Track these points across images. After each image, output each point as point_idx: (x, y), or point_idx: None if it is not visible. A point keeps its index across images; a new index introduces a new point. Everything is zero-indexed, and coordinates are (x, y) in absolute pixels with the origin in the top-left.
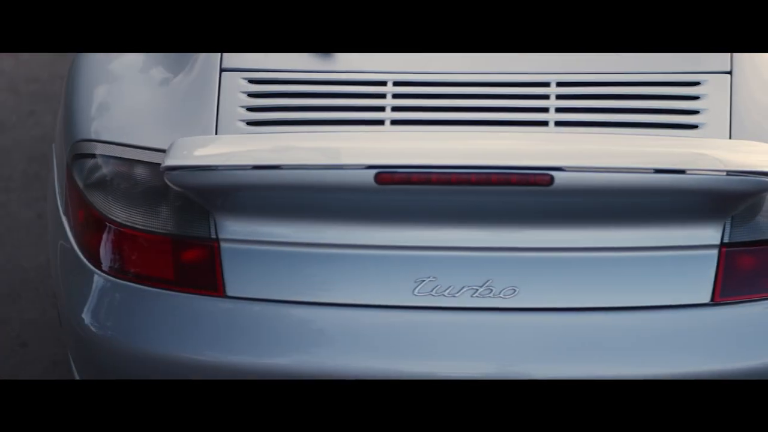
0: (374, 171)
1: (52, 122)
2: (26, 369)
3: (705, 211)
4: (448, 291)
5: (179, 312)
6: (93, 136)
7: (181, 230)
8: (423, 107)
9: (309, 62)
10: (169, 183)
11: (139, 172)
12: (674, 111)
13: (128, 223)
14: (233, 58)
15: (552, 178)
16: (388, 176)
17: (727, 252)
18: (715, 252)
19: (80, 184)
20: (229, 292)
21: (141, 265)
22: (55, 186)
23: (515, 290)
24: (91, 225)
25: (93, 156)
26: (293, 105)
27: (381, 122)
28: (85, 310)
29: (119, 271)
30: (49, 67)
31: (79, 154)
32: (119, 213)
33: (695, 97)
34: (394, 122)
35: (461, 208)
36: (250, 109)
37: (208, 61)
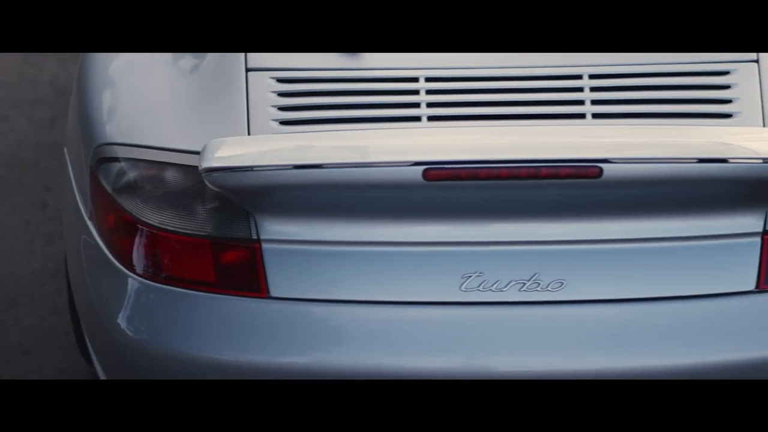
0: (422, 167)
1: (28, 127)
2: (32, 377)
3: (747, 200)
4: (495, 286)
5: (222, 314)
6: (117, 140)
7: (220, 232)
8: (458, 102)
9: (336, 60)
10: (209, 184)
11: (172, 174)
12: (707, 101)
13: (164, 226)
14: (258, 58)
15: (601, 170)
16: (436, 172)
17: None
18: (758, 240)
19: (108, 188)
20: (273, 292)
21: (180, 267)
22: (74, 191)
23: (562, 283)
24: (124, 229)
25: (119, 160)
26: (325, 103)
27: (417, 118)
28: (121, 314)
29: (156, 274)
30: (17, 71)
31: (103, 158)
32: (154, 216)
33: (726, 87)
34: (431, 118)
35: (507, 203)
36: (282, 108)
37: (231, 61)
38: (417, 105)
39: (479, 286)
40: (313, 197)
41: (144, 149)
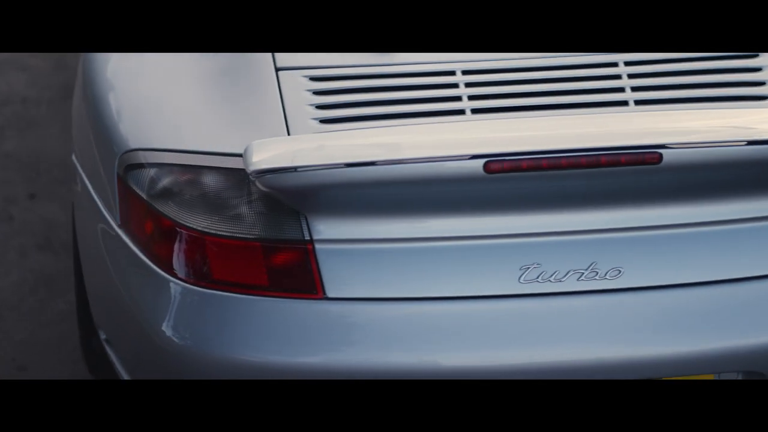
0: (483, 160)
1: None
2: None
3: None
4: (553, 276)
5: (277, 317)
6: (147, 145)
7: (271, 234)
8: (498, 94)
9: (365, 57)
10: (259, 186)
11: (214, 177)
12: (739, 83)
13: (211, 231)
14: (286, 58)
15: (661, 156)
16: (497, 165)
17: None
18: None
19: (143, 195)
20: (329, 293)
21: (230, 271)
22: (95, 201)
23: (620, 271)
24: (166, 235)
25: (152, 165)
26: (364, 100)
27: (461, 112)
28: (166, 322)
29: (205, 279)
30: None
31: (133, 164)
32: (199, 221)
33: (757, 69)
34: (474, 111)
35: (563, 193)
36: (320, 106)
37: (257, 61)
38: (458, 98)
39: (538, 277)
40: (366, 195)
41: (179, 153)
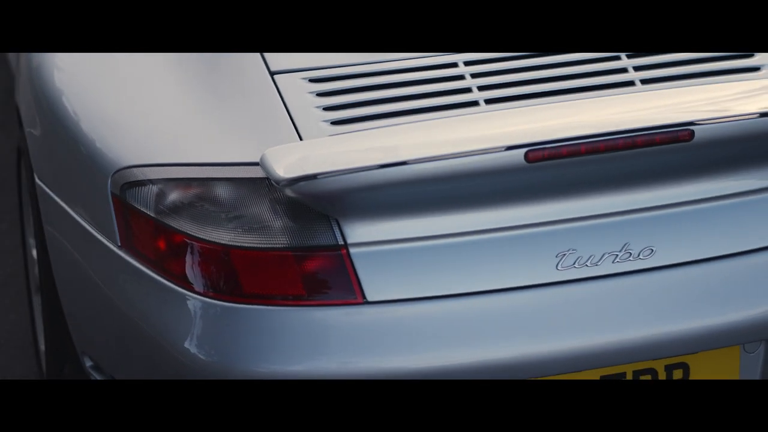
0: (524, 150)
1: None
2: None
3: None
4: (590, 261)
5: (318, 326)
6: (144, 161)
7: (302, 241)
8: (506, 83)
9: (358, 56)
10: (290, 194)
11: (228, 188)
12: (732, 57)
13: (237, 244)
14: (279, 60)
15: (693, 132)
16: (538, 153)
17: None
18: None
19: (150, 213)
20: (369, 297)
21: (263, 284)
22: (81, 224)
23: (652, 250)
24: (185, 251)
25: (155, 181)
26: (371, 98)
27: (474, 103)
28: (189, 339)
29: (235, 294)
30: None
31: (132, 182)
32: (222, 234)
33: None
34: (488, 101)
35: (594, 177)
36: (328, 108)
37: (246, 64)
38: (468, 90)
39: (574, 263)
40: (398, 194)
41: (185, 167)
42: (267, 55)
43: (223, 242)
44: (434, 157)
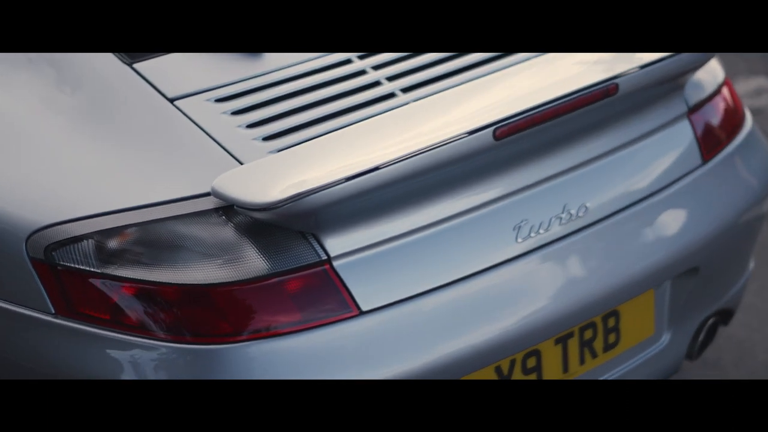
0: (491, 129)
1: None
2: None
3: (667, 92)
4: (542, 227)
5: (321, 348)
6: (68, 216)
7: (284, 264)
8: (410, 70)
9: (244, 68)
10: (265, 217)
11: (182, 226)
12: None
13: (216, 281)
14: (169, 85)
15: (617, 86)
16: (505, 129)
17: (692, 117)
18: (685, 120)
19: (95, 269)
20: (363, 307)
21: (255, 318)
22: None
23: (586, 207)
24: (155, 300)
25: (90, 235)
26: (288, 108)
27: (392, 95)
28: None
29: (225, 334)
30: None
31: (59, 241)
32: (194, 274)
33: None
34: (404, 90)
35: (534, 145)
36: (250, 125)
37: (136, 95)
38: (378, 83)
39: (530, 232)
40: (372, 198)
41: (120, 214)
42: (149, 79)
43: (199, 282)
44: (408, 155)
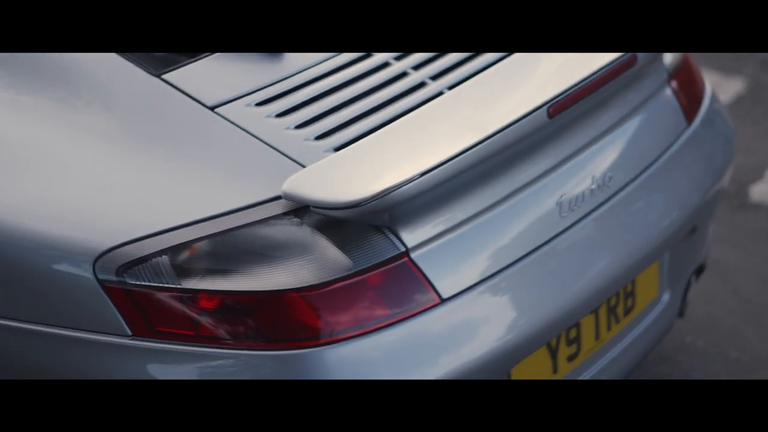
0: (546, 107)
1: None
2: None
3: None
4: (578, 200)
5: (413, 339)
6: (136, 235)
7: (367, 261)
8: (430, 58)
9: (271, 70)
10: (357, 217)
11: (260, 231)
12: None
13: (304, 284)
14: (205, 95)
15: (636, 57)
16: (558, 106)
17: (671, 83)
18: (667, 86)
19: (171, 284)
20: (444, 294)
21: (348, 317)
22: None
23: (610, 177)
24: (243, 310)
25: (163, 252)
26: (330, 106)
27: (423, 84)
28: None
29: (318, 336)
30: None
31: (131, 261)
32: (281, 280)
33: None
34: (433, 77)
35: (564, 123)
36: (299, 126)
37: (173, 106)
38: (405, 74)
39: (571, 206)
40: (443, 187)
41: (194, 226)
42: (183, 89)
43: (285, 287)
44: (475, 143)
